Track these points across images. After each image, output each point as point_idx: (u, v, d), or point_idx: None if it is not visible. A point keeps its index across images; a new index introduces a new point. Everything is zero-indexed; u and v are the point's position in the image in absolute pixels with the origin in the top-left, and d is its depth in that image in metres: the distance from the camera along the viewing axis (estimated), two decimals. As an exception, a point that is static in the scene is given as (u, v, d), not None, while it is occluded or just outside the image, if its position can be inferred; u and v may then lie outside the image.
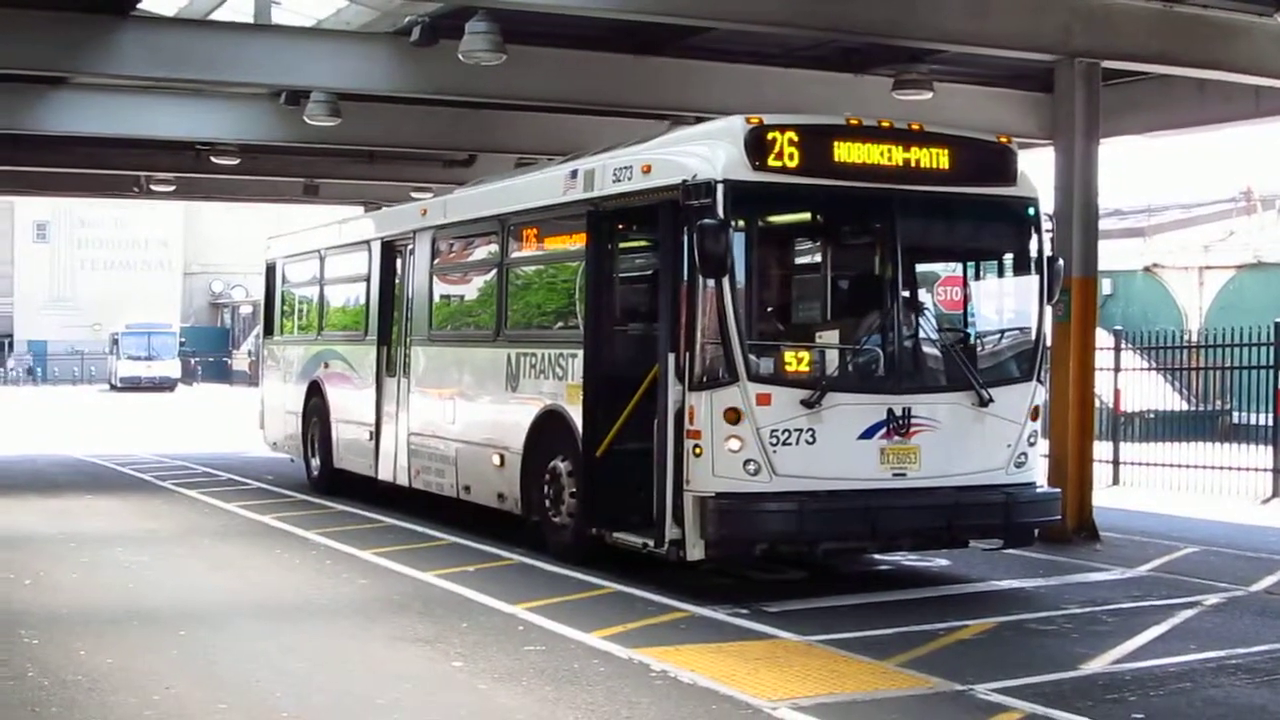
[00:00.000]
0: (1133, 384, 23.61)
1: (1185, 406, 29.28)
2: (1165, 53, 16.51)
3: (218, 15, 19.06)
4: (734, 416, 11.26)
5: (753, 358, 11.41)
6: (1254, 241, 37.42)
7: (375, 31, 18.34)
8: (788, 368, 11.74)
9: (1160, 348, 25.12)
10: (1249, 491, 20.71)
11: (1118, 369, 23.02)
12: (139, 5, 17.10)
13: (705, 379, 11.35)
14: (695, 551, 11.38)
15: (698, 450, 11.33)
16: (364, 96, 20.38)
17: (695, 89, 19.15)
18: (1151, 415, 25.35)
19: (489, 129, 22.71)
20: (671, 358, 11.62)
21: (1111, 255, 32.35)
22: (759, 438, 11.30)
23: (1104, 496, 18.51)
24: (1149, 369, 25.27)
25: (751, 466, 11.30)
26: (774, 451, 11.33)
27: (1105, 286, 34.31)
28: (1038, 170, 13.96)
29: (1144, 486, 21.89)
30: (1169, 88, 19.77)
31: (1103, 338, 19.87)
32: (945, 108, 18.84)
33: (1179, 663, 9.74)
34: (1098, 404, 18.11)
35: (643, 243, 13.32)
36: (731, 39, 18.27)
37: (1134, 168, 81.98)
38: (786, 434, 11.37)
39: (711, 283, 11.23)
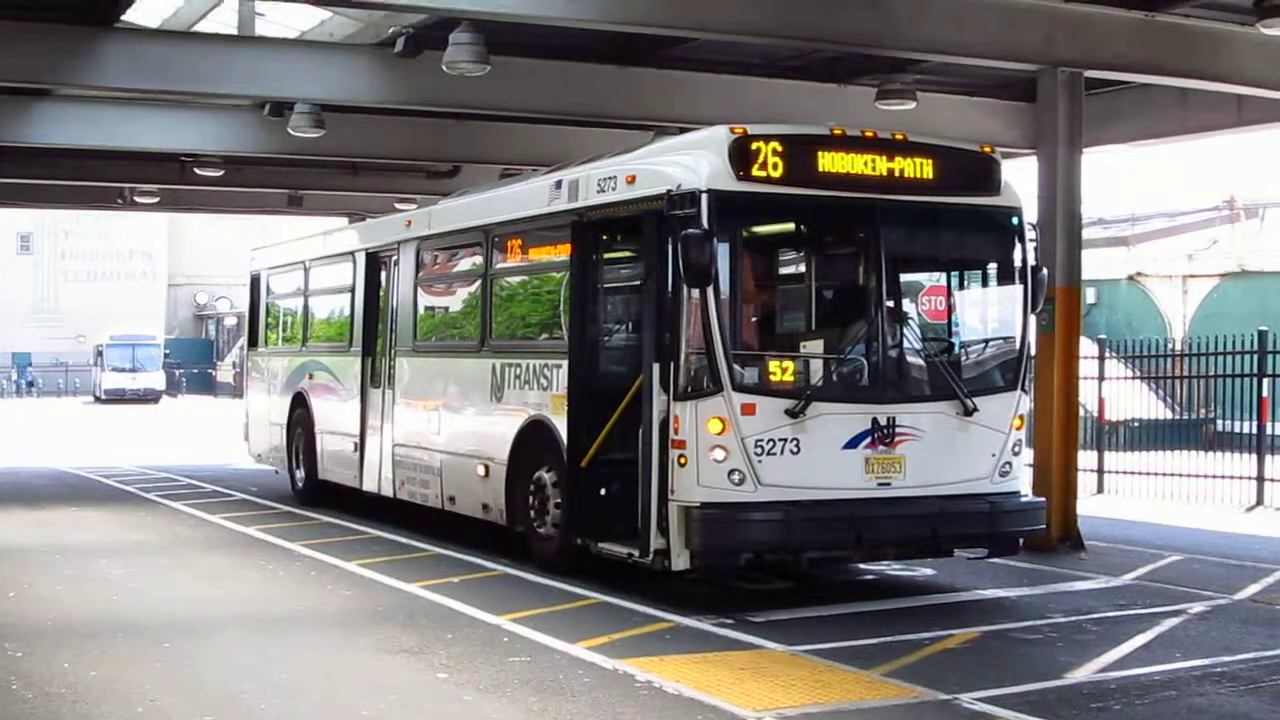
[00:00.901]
0: (1117, 393, 23.67)
1: (1169, 415, 29.34)
2: (1148, 62, 16.56)
3: (201, 27, 19.04)
4: (719, 426, 11.26)
5: (737, 368, 11.41)
6: (1237, 250, 37.53)
7: (359, 43, 18.33)
8: (772, 377, 11.74)
9: (1144, 356, 25.21)
10: (1233, 499, 20.76)
11: (1102, 378, 23.08)
12: (123, 17, 17.08)
13: (690, 389, 11.35)
14: (680, 561, 11.38)
15: (682, 460, 11.33)
16: (348, 108, 20.37)
17: (679, 99, 19.16)
18: (1136, 424, 25.40)
19: (473, 140, 22.69)
20: (656, 368, 11.62)
21: (1095, 264, 32.40)
22: (744, 447, 11.30)
23: (1088, 505, 18.55)
24: (1133, 378, 25.32)
25: (736, 476, 11.29)
26: (759, 461, 11.33)
27: (1089, 295, 34.43)
28: (1021, 180, 13.99)
29: (1128, 495, 21.92)
30: (1151, 97, 19.83)
31: (1087, 347, 19.89)
32: (929, 117, 18.88)
33: (1164, 671, 9.76)
34: (1082, 413, 18.14)
35: (627, 253, 13.32)
36: (715, 49, 18.29)
37: (1117, 177, 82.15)
38: (771, 444, 11.37)
39: (696, 293, 11.23)
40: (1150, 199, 63.76)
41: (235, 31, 18.53)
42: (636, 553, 11.82)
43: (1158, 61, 16.54)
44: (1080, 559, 15.22)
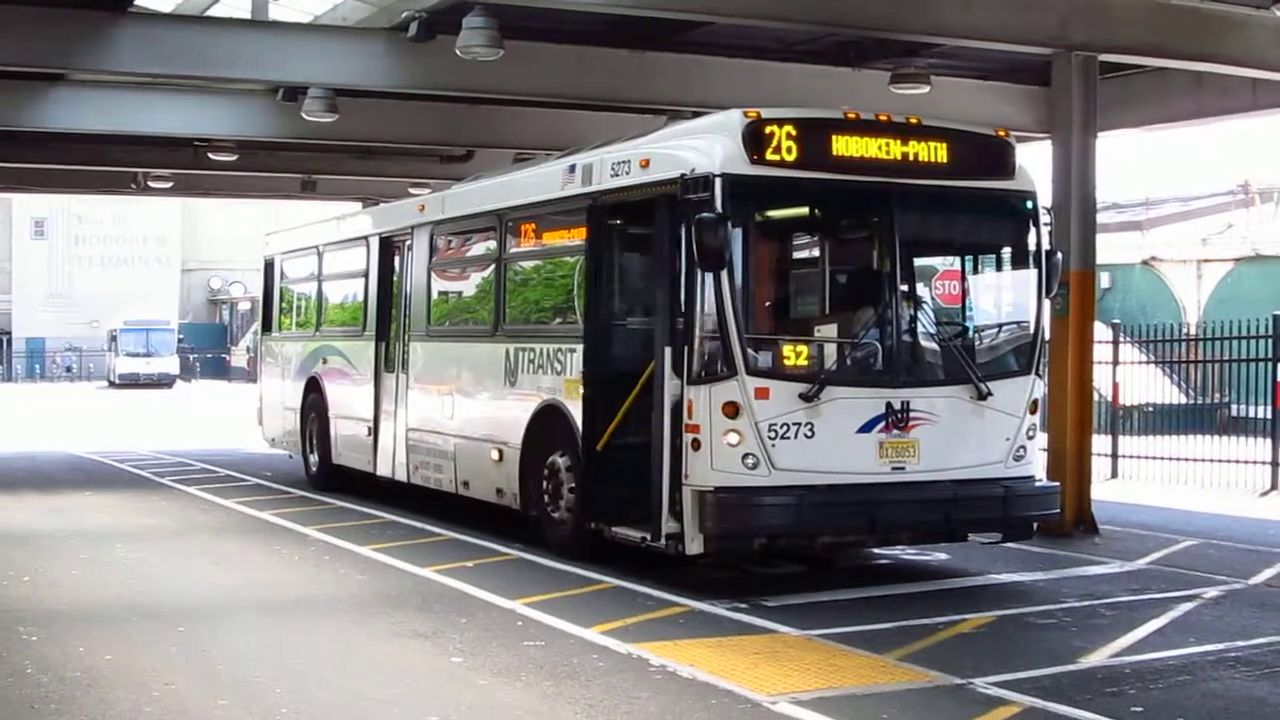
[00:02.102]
0: (1131, 377, 23.62)
1: (1184, 400, 29.30)
2: (1162, 46, 16.52)
3: (215, 11, 19.06)
4: (732, 410, 11.24)
5: (751, 352, 11.38)
6: (1252, 234, 37.43)
7: (372, 27, 18.33)
8: (786, 361, 11.71)
9: (1159, 341, 25.16)
10: (1248, 484, 20.73)
11: (1116, 362, 23.03)
12: (136, 1, 17.09)
13: (704, 373, 11.34)
14: (694, 545, 11.37)
15: (696, 444, 11.32)
16: (361, 92, 20.35)
17: (692, 84, 19.12)
18: (1150, 408, 25.37)
19: (486, 124, 22.68)
20: (668, 352, 11.62)
21: (1109, 249, 32.36)
22: (757, 432, 11.28)
23: (1103, 490, 18.54)
24: (1147, 362, 25.28)
25: (750, 460, 11.28)
26: (772, 445, 11.32)
27: (1103, 280, 34.31)
28: (1035, 164, 13.95)
29: (1143, 480, 21.89)
30: (1166, 81, 19.77)
31: (1101, 331, 19.87)
32: (943, 102, 18.85)
33: (1178, 656, 9.74)
34: (1096, 397, 18.11)
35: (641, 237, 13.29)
36: (728, 33, 18.26)
37: (1132, 161, 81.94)
38: (785, 428, 11.36)
39: (710, 277, 11.22)
40: (1164, 183, 63.69)
41: (249, 16, 18.53)
42: (649, 537, 11.82)
43: (1172, 45, 16.50)
44: (1094, 544, 15.21)
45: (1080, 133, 16.35)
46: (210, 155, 26.37)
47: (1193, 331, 28.54)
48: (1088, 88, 16.39)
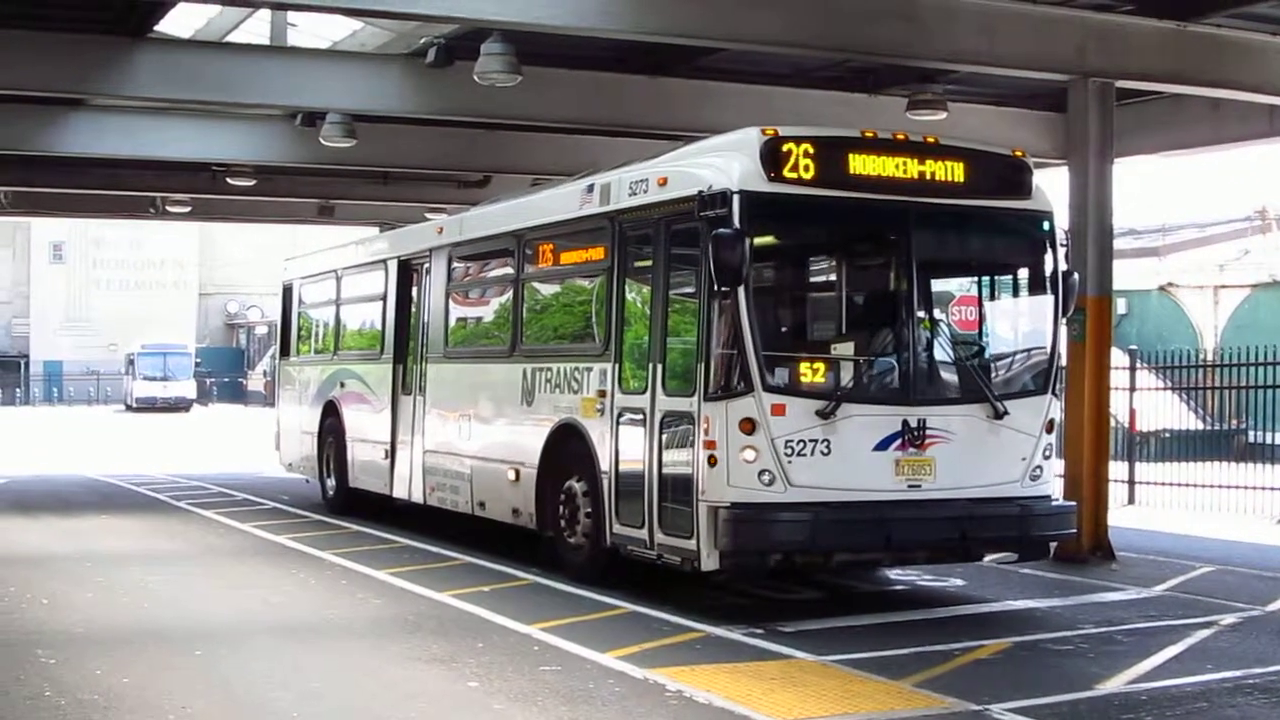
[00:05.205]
0: (1148, 403, 23.56)
1: (1201, 426, 29.22)
2: (1179, 72, 16.51)
3: (234, 37, 19.12)
4: (749, 427, 11.23)
5: (768, 369, 11.39)
6: (1269, 260, 37.38)
7: (390, 53, 18.41)
8: (803, 379, 11.71)
9: (1175, 367, 25.11)
10: (1265, 511, 20.65)
11: (1133, 388, 22.95)
12: (155, 27, 17.19)
13: (720, 390, 11.35)
14: (709, 562, 11.36)
15: (712, 460, 11.31)
16: (379, 118, 20.45)
17: (708, 109, 19.15)
18: (1167, 434, 25.30)
19: (503, 150, 22.75)
20: (660, 369, 11.83)
21: (1126, 275, 32.30)
22: (774, 448, 11.27)
23: (1119, 516, 18.48)
24: (1164, 388, 25.23)
25: (766, 477, 11.26)
26: (789, 462, 11.30)
27: (1120, 306, 34.27)
28: (1052, 190, 13.94)
29: (1160, 506, 21.82)
30: (1183, 107, 19.76)
31: (1118, 357, 19.82)
32: (959, 127, 18.80)
33: (1195, 683, 9.71)
34: (1113, 423, 18.07)
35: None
36: (744, 59, 18.31)
37: (1148, 187, 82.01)
38: (801, 445, 11.34)
39: (726, 293, 11.23)
40: (1181, 209, 63.76)
41: (267, 42, 18.62)
42: (646, 543, 12.03)
43: (1189, 71, 16.48)
44: (1111, 570, 15.16)
45: (1097, 159, 16.35)
46: (228, 180, 26.49)
47: (1209, 358, 28.44)
48: (1104, 114, 16.39)
